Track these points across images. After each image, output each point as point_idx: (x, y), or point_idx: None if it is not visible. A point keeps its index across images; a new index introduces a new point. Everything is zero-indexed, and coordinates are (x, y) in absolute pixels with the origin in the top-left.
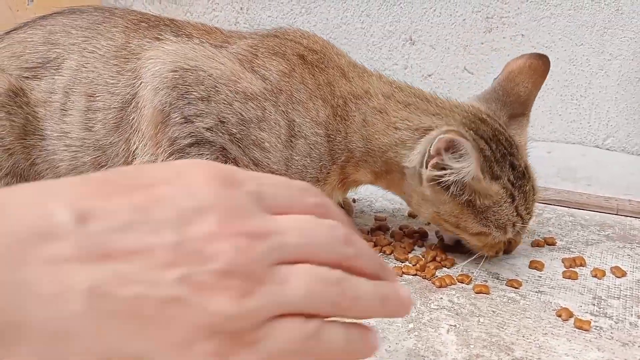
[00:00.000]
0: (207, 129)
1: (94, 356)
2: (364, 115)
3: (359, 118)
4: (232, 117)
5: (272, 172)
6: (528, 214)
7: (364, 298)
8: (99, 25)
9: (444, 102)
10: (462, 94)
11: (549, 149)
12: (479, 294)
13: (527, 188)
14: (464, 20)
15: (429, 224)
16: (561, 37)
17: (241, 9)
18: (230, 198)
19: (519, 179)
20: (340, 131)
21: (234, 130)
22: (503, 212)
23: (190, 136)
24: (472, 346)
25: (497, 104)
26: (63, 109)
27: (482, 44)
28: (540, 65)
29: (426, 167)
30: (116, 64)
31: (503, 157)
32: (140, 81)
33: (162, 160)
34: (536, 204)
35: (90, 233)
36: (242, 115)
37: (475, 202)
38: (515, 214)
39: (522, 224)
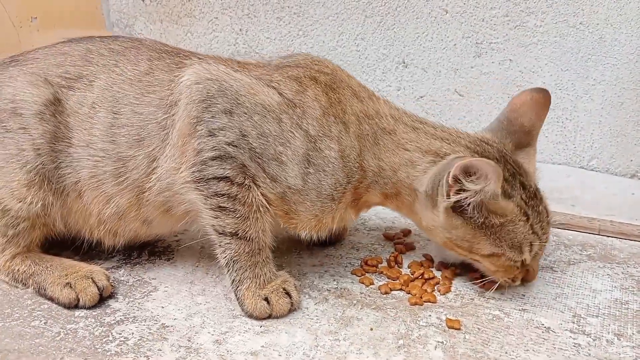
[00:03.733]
0: (229, 143)
1: None
2: (375, 135)
3: (371, 136)
4: (252, 130)
5: (289, 188)
6: (544, 233)
7: None
8: (129, 51)
9: (449, 129)
10: (453, 115)
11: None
12: (451, 328)
13: (540, 208)
14: (454, 45)
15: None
16: (547, 62)
17: (240, 30)
18: None
19: (531, 199)
20: (354, 148)
21: (255, 144)
22: (518, 230)
23: (214, 150)
24: None
25: (502, 133)
26: (89, 122)
27: (472, 68)
28: (541, 98)
29: (447, 197)
30: (140, 88)
31: (512, 176)
32: (176, 102)
33: (186, 168)
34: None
35: None
36: (262, 128)
37: (488, 223)
38: (530, 232)
39: (540, 242)
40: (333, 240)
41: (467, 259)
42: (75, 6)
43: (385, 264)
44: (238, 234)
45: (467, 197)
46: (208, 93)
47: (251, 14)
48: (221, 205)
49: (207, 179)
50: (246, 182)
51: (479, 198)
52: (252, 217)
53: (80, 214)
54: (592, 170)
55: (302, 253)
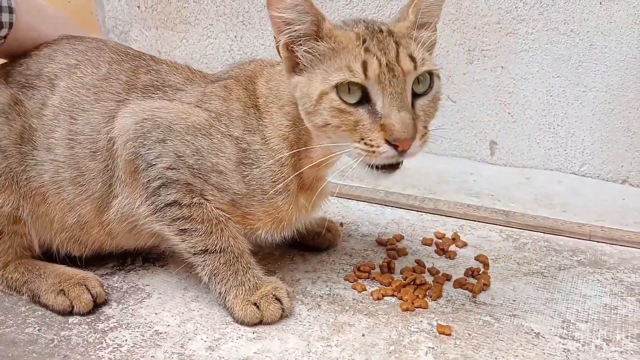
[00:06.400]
0: (167, 167)
1: None
2: (276, 90)
3: (273, 96)
4: (186, 149)
5: (236, 194)
6: (386, 54)
7: None
8: (92, 52)
9: None
10: (446, 121)
11: (528, 175)
12: (442, 334)
13: (387, 42)
14: (447, 52)
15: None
16: (538, 69)
17: (235, 36)
18: None
19: (375, 32)
20: (267, 125)
21: (191, 161)
22: (348, 52)
23: (157, 178)
24: None
25: None
26: (51, 125)
27: (465, 74)
28: None
29: (277, 43)
30: (94, 94)
31: (359, 23)
32: (113, 132)
33: (141, 203)
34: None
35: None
36: (195, 145)
37: (315, 52)
38: (363, 51)
39: (378, 60)
40: (326, 246)
41: (320, 133)
42: (71, 12)
43: (378, 269)
44: (209, 250)
45: (292, 27)
46: (142, 129)
47: (246, 21)
48: (182, 228)
49: (161, 208)
50: (195, 200)
51: (303, 22)
52: (216, 230)
53: (46, 219)
54: (583, 176)
55: (295, 259)
